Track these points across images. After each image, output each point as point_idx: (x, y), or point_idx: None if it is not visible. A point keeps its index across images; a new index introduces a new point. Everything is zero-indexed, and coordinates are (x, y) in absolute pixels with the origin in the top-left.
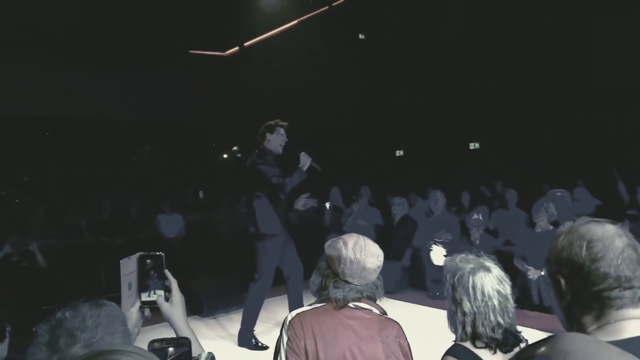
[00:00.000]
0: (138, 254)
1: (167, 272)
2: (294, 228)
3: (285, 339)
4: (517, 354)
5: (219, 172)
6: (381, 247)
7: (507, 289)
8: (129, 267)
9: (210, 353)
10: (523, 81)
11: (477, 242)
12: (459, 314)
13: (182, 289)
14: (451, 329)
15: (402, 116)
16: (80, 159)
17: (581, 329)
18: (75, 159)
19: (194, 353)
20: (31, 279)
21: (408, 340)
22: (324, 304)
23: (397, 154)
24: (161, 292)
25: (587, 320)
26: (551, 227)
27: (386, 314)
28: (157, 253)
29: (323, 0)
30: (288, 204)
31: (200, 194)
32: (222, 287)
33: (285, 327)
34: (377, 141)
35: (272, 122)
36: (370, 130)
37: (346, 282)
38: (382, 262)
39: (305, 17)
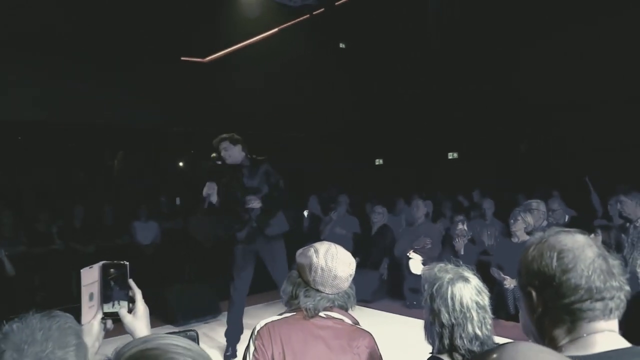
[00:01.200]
0: (101, 263)
1: (132, 282)
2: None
3: (252, 349)
4: None
5: (197, 178)
6: (359, 256)
7: (485, 299)
8: (90, 276)
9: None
10: (501, 92)
11: (462, 253)
12: (437, 325)
13: (156, 297)
14: (428, 340)
15: (382, 125)
16: (52, 165)
17: (553, 342)
18: (48, 164)
19: None
20: None
21: (381, 351)
22: (295, 313)
23: (377, 163)
24: (125, 303)
25: (558, 333)
26: (528, 237)
27: (358, 324)
28: (121, 262)
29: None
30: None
31: (177, 201)
32: (197, 296)
33: (254, 337)
34: (357, 149)
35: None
36: (350, 138)
37: (317, 290)
38: (354, 271)
39: (286, 24)
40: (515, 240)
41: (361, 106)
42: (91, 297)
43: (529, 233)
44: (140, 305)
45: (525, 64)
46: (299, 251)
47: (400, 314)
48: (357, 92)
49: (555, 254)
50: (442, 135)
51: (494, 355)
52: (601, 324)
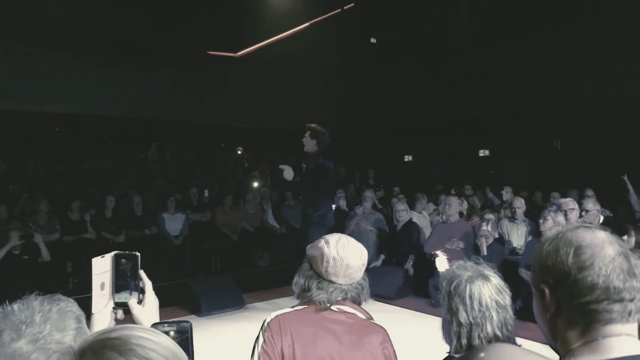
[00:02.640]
0: (113, 253)
1: (142, 273)
2: (296, 231)
3: (261, 340)
4: None
5: (226, 172)
6: (384, 252)
7: (506, 299)
8: (102, 266)
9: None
10: (535, 89)
11: (485, 253)
12: (454, 325)
13: (182, 287)
14: (445, 339)
15: (412, 121)
16: (87, 156)
17: (565, 345)
18: (83, 155)
19: None
20: (34, 271)
21: (399, 348)
22: (306, 306)
23: (406, 159)
24: (135, 294)
25: (571, 335)
26: None
27: (372, 319)
28: (133, 253)
29: (335, 3)
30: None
31: (206, 193)
32: (222, 287)
33: (263, 328)
34: (386, 145)
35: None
36: (379, 134)
37: (330, 282)
38: (366, 260)
39: (316, 19)
40: None
41: (392, 101)
42: (102, 286)
43: None
44: (150, 297)
45: (557, 58)
46: (309, 245)
47: (424, 312)
48: (386, 86)
49: (572, 250)
50: (474, 132)
51: (481, 355)
52: (618, 327)
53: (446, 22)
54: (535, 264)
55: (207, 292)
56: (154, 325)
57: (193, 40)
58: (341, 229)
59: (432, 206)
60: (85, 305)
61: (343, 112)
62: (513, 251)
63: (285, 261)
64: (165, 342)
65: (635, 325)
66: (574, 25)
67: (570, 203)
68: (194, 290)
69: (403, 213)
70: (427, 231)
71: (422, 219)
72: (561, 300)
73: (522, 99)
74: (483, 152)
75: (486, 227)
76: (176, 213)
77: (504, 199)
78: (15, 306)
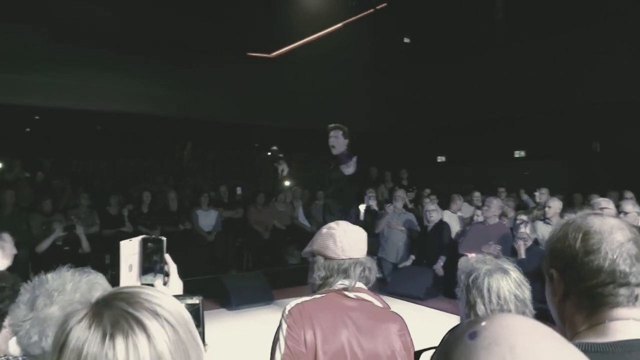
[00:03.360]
0: (140, 237)
1: (168, 257)
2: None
3: (285, 326)
4: (453, 328)
5: (259, 170)
6: (414, 252)
7: (525, 293)
8: (130, 249)
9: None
10: (572, 89)
11: (523, 257)
12: (473, 318)
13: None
14: None
15: (446, 121)
16: (127, 153)
17: (573, 328)
18: (123, 152)
19: None
20: (74, 262)
21: (419, 348)
22: (324, 295)
23: (439, 160)
24: (161, 276)
25: (578, 319)
26: None
27: (389, 308)
28: (159, 237)
29: (368, 3)
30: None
31: (238, 191)
32: (252, 283)
33: (285, 316)
34: (419, 146)
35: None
36: (412, 134)
37: (349, 259)
38: (365, 234)
39: (349, 20)
40: None
41: (425, 102)
42: (130, 268)
43: None
44: (175, 279)
45: (597, 54)
46: (308, 245)
47: (453, 314)
48: (421, 86)
49: (581, 235)
50: (509, 133)
51: (483, 324)
52: (625, 311)
53: (481, 21)
54: (547, 249)
55: (237, 288)
56: None
57: (230, 40)
58: (371, 229)
59: (467, 207)
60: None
61: (375, 113)
62: None
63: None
64: (171, 300)
65: None
66: (613, 19)
67: (603, 202)
68: (226, 285)
69: (434, 213)
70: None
71: (453, 219)
72: (569, 284)
73: (559, 97)
74: (519, 154)
75: (524, 229)
76: (209, 210)
77: (537, 200)
78: (49, 275)
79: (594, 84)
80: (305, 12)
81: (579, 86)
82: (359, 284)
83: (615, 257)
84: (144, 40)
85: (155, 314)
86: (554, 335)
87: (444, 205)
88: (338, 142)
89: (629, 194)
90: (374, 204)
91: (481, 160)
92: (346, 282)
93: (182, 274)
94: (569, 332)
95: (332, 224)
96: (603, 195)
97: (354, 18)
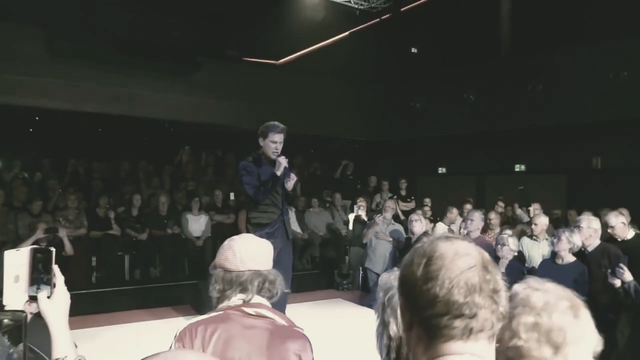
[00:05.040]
0: (29, 247)
1: (56, 269)
2: (319, 238)
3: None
4: None
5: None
6: (398, 264)
7: None
8: (17, 259)
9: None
10: (570, 105)
11: (502, 270)
12: (385, 338)
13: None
14: (378, 351)
15: (447, 133)
16: (126, 155)
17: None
18: (122, 154)
19: (60, 355)
20: (58, 264)
21: (314, 354)
22: (221, 312)
23: (440, 171)
24: (47, 287)
25: (418, 352)
26: (573, 259)
27: (294, 325)
28: (48, 248)
29: (373, 13)
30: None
31: (232, 196)
32: None
33: (175, 338)
34: (419, 157)
35: (264, 125)
36: (413, 145)
37: (249, 270)
38: (269, 247)
39: (355, 29)
40: (559, 261)
41: (426, 112)
42: (17, 279)
43: (575, 254)
44: (61, 291)
45: (599, 70)
46: (213, 262)
47: None
48: (422, 97)
49: (424, 261)
50: (510, 146)
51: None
52: (459, 345)
53: (485, 33)
54: (398, 275)
55: None
56: None
57: (234, 46)
58: (359, 238)
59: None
60: (109, 297)
61: (376, 122)
62: (532, 270)
63: (305, 268)
64: None
65: (485, 343)
66: (617, 38)
67: (583, 220)
68: (202, 290)
69: (416, 224)
70: None
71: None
72: (412, 313)
73: (560, 112)
74: (519, 167)
75: (507, 245)
76: (199, 214)
77: (532, 215)
78: None
79: (597, 98)
80: (313, 21)
81: (582, 100)
82: (260, 299)
83: (452, 285)
84: (145, 42)
85: None
86: None
87: (441, 216)
88: (281, 147)
89: (623, 211)
90: (363, 213)
91: (481, 173)
92: (243, 296)
93: (168, 278)
94: None
95: (235, 237)
96: (597, 212)
97: (360, 27)
